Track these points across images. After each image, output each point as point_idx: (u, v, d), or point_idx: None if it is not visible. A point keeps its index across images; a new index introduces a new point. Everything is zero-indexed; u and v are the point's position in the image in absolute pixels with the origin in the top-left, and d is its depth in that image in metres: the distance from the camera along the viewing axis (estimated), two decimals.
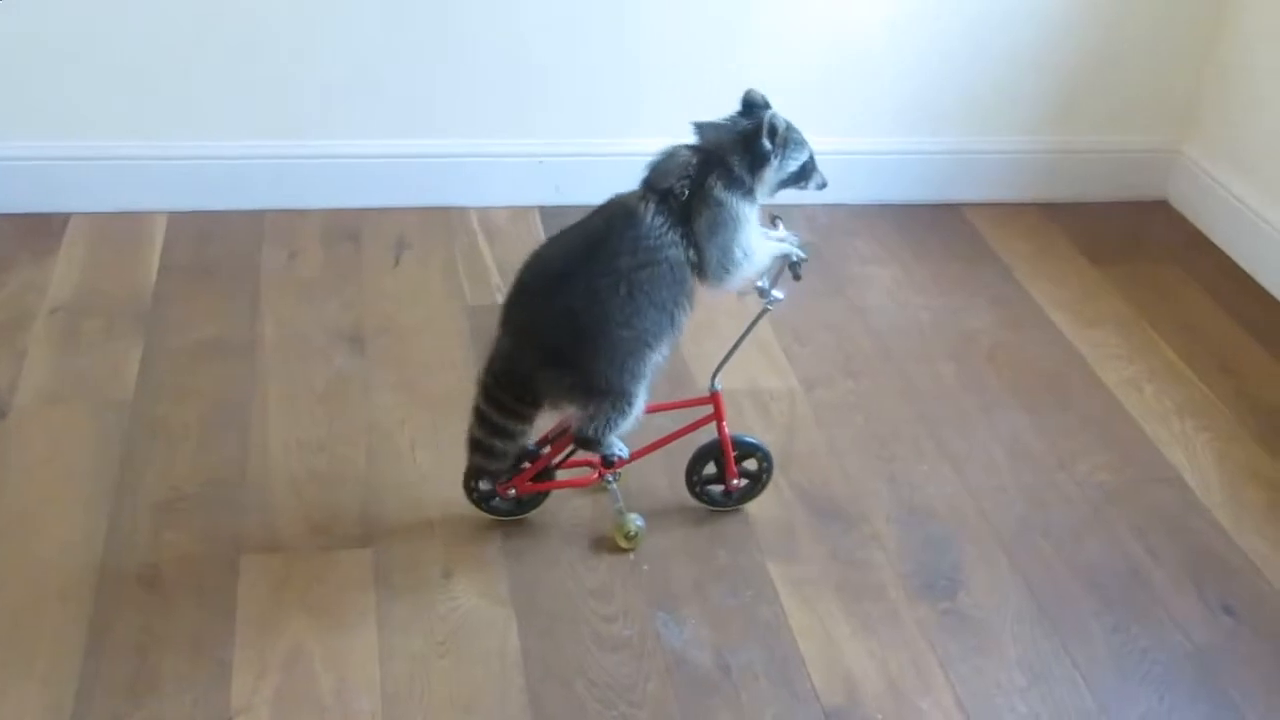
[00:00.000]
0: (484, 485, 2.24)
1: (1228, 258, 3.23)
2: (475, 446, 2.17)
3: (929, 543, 2.31)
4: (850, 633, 2.12)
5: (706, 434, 2.28)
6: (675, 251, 2.00)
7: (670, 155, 2.03)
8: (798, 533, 2.31)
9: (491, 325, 2.75)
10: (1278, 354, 2.88)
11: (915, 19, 3.19)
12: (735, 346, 2.22)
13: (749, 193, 2.04)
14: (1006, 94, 3.30)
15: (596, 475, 2.25)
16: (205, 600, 2.09)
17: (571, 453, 2.25)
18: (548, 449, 2.24)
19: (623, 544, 2.25)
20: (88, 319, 2.72)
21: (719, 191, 2.00)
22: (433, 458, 2.41)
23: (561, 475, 2.27)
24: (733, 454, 2.27)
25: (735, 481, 2.30)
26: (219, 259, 2.95)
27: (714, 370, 2.23)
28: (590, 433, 2.12)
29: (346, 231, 3.08)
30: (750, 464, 2.31)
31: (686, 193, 2.00)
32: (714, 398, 2.24)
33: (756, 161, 2.03)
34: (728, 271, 2.03)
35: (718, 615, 2.13)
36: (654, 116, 3.20)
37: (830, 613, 2.15)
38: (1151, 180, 3.46)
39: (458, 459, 2.40)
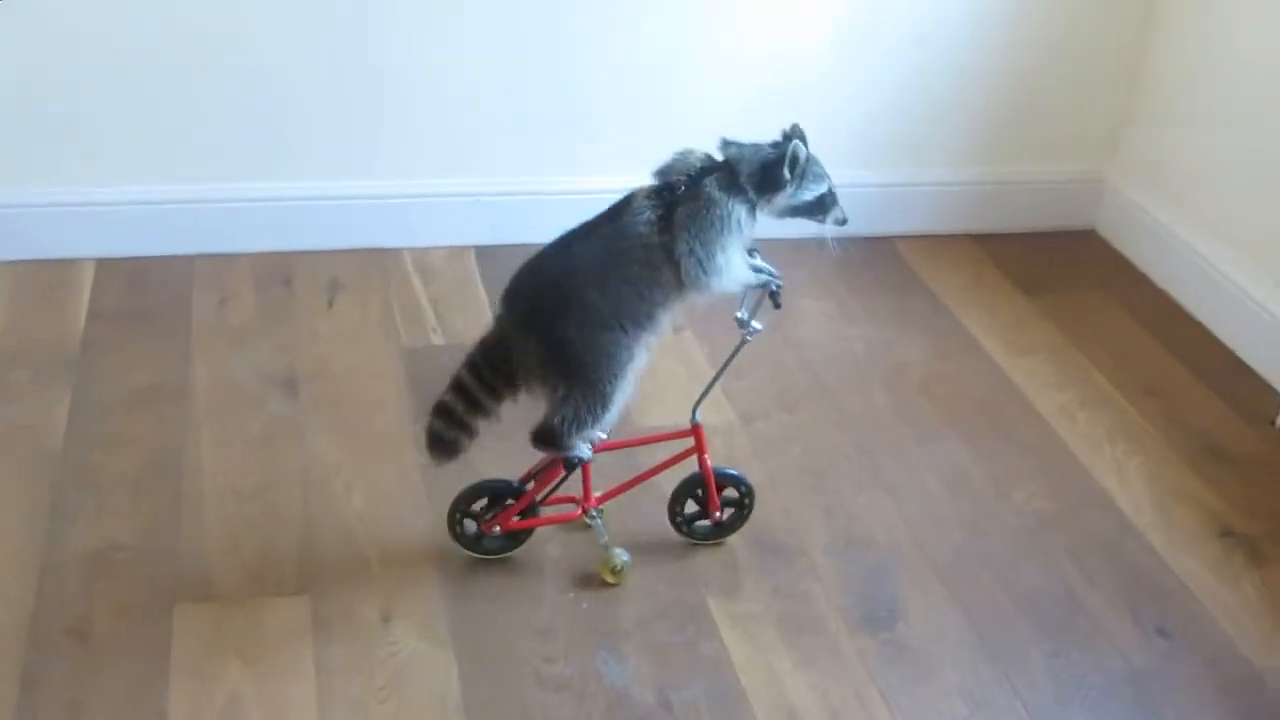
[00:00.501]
0: (468, 525, 2.25)
1: (1154, 284, 3.28)
2: (438, 409, 2.14)
3: (868, 574, 2.32)
4: (792, 666, 2.12)
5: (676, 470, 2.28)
6: (648, 230, 2.00)
7: (682, 156, 2.08)
8: (738, 567, 2.31)
9: (428, 367, 2.75)
10: (1205, 378, 2.93)
11: (846, 57, 3.22)
12: (715, 378, 2.24)
13: (748, 204, 2.05)
14: (936, 128, 3.34)
15: (580, 511, 2.25)
16: (139, 651, 2.05)
17: (554, 489, 2.24)
18: (531, 485, 2.23)
19: (609, 579, 2.25)
20: (15, 369, 2.68)
21: (712, 190, 2.02)
22: (369, 501, 2.39)
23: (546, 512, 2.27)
24: (714, 486, 2.28)
25: (718, 514, 2.31)
26: (149, 305, 2.92)
27: (695, 403, 2.24)
28: (556, 423, 2.08)
29: (279, 275, 3.06)
30: (731, 494, 2.32)
31: (683, 188, 2.02)
32: (695, 430, 2.24)
33: (769, 184, 2.05)
34: (705, 272, 2.01)
35: (660, 652, 2.13)
36: (590, 154, 3.24)
37: (772, 647, 2.15)
38: (1079, 210, 3.51)
39: (395, 502, 2.39)
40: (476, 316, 2.95)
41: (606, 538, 2.26)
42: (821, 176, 2.11)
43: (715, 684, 2.08)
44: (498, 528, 2.24)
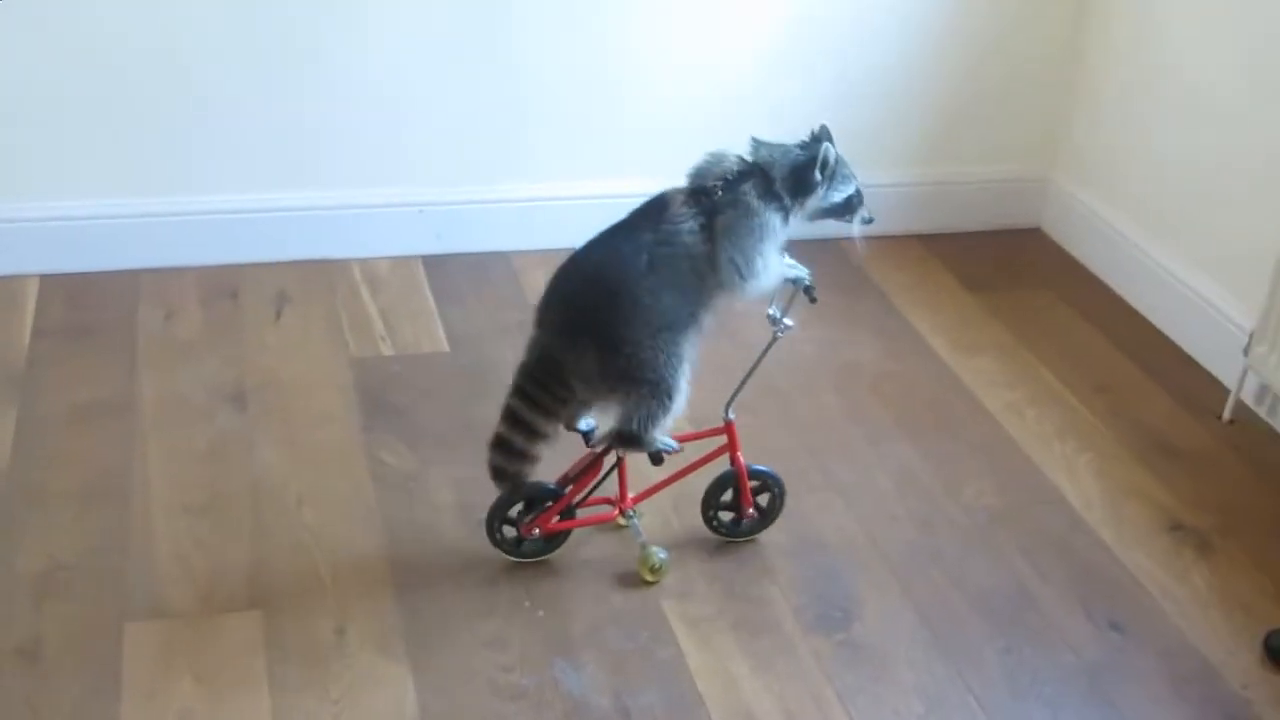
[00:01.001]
0: (508, 529, 2.25)
1: (1099, 281, 3.31)
2: (497, 444, 2.16)
3: (821, 574, 2.33)
4: (748, 670, 2.12)
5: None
6: (692, 239, 2.04)
7: (716, 158, 2.10)
8: (692, 571, 2.31)
9: (377, 377, 2.74)
10: (1151, 373, 2.95)
11: (790, 60, 3.24)
12: (747, 376, 2.28)
13: (783, 210, 2.09)
14: (882, 130, 3.36)
15: (616, 512, 2.28)
16: (90, 671, 2.03)
17: (592, 490, 2.26)
18: (569, 488, 2.24)
19: (648, 577, 2.27)
20: None
21: (751, 198, 2.06)
22: (321, 514, 2.37)
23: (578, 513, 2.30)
24: (749, 484, 2.31)
25: (750, 510, 2.33)
26: (94, 321, 2.89)
27: (727, 401, 2.26)
28: (633, 427, 2.11)
29: (225, 288, 3.03)
30: (761, 489, 2.35)
31: (720, 193, 2.05)
32: (728, 427, 2.27)
33: (801, 188, 2.09)
34: (742, 278, 2.07)
35: (616, 659, 2.12)
36: (533, 162, 3.24)
37: (728, 650, 2.15)
38: (1024, 209, 3.54)
39: (347, 514, 2.38)
40: (425, 326, 2.95)
41: (644, 536, 2.28)
42: (849, 177, 2.15)
43: (672, 689, 2.07)
44: (537, 530, 2.25)
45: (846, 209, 2.16)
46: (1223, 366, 2.91)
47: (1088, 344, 3.06)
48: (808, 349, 2.96)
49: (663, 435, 2.16)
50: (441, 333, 2.93)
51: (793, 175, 2.09)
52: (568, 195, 3.26)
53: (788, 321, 2.19)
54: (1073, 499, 2.54)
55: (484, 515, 2.25)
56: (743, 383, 2.27)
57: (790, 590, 2.28)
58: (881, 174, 3.41)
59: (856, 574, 2.33)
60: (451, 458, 2.53)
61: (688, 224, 2.04)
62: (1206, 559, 2.42)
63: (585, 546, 2.33)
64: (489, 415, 2.64)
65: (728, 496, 2.34)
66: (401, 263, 3.18)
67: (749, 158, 2.10)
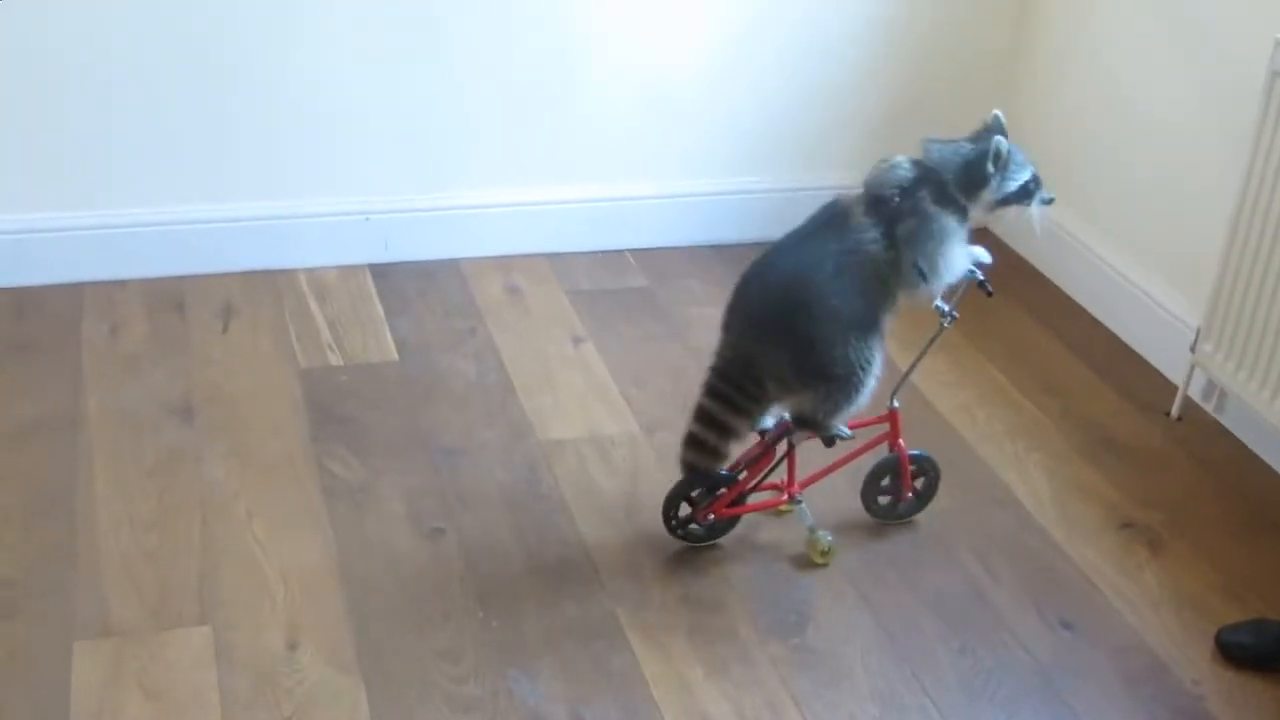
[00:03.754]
0: (683, 514, 2.33)
1: (1048, 281, 3.33)
2: (690, 442, 2.25)
3: (777, 580, 2.32)
4: (704, 676, 2.12)
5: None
6: (875, 248, 2.13)
7: (890, 166, 2.18)
8: (645, 579, 2.30)
9: (326, 388, 2.72)
10: (1100, 372, 2.97)
11: (733, 67, 3.24)
12: (913, 366, 2.36)
13: (960, 211, 2.16)
14: (824, 135, 3.36)
15: (785, 498, 2.35)
16: (37, 691, 2.00)
17: (765, 476, 2.32)
18: (744, 474, 2.30)
19: (818, 560, 2.35)
20: None
21: (928, 205, 2.14)
22: (270, 527, 2.35)
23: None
24: (910, 469, 2.40)
25: (909, 494, 2.43)
26: (37, 335, 2.85)
27: (894, 388, 2.34)
28: (817, 416, 2.21)
29: (170, 300, 3.00)
30: (919, 474, 2.45)
31: (897, 200, 2.13)
32: (891, 415, 2.36)
33: (975, 184, 2.15)
34: (927, 281, 2.16)
35: (571, 668, 2.11)
36: (479, 169, 3.22)
37: (683, 657, 2.15)
38: None
39: (297, 527, 2.35)
40: (375, 334, 2.92)
41: (812, 520, 2.35)
42: (1023, 164, 2.18)
43: (628, 698, 2.07)
44: (711, 515, 2.32)
45: (1024, 195, 2.19)
46: (1170, 364, 2.93)
47: (1038, 344, 3.08)
48: None
49: (840, 423, 2.27)
50: (390, 341, 2.91)
51: (965, 173, 2.15)
52: (516, 202, 3.25)
53: (954, 313, 2.28)
54: (1024, 498, 2.55)
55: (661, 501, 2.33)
56: (907, 373, 2.37)
57: (746, 596, 2.28)
58: (826, 176, 3.42)
59: (811, 579, 2.33)
60: (401, 467, 2.51)
61: (869, 233, 2.14)
62: (1157, 556, 2.43)
63: (528, 554, 2.32)
64: (439, 423, 2.64)
65: (886, 481, 2.43)
66: (349, 272, 3.16)
67: (922, 159, 2.17)
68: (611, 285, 3.19)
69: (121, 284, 3.04)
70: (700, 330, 3.04)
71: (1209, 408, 2.84)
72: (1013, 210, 2.21)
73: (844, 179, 3.40)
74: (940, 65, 3.37)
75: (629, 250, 3.33)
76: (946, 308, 2.27)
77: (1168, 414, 2.84)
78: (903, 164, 2.17)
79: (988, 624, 2.26)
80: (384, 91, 3.07)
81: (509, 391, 2.76)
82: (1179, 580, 2.38)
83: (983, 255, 2.24)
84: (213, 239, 3.09)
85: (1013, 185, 2.18)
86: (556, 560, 2.32)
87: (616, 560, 2.33)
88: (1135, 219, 3.09)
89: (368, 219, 3.17)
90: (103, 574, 2.22)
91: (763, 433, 2.30)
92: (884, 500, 2.44)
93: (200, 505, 2.39)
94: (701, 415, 2.24)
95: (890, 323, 2.22)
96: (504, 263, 3.24)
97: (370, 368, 2.82)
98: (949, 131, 3.52)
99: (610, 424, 2.69)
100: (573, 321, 3.03)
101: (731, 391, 2.21)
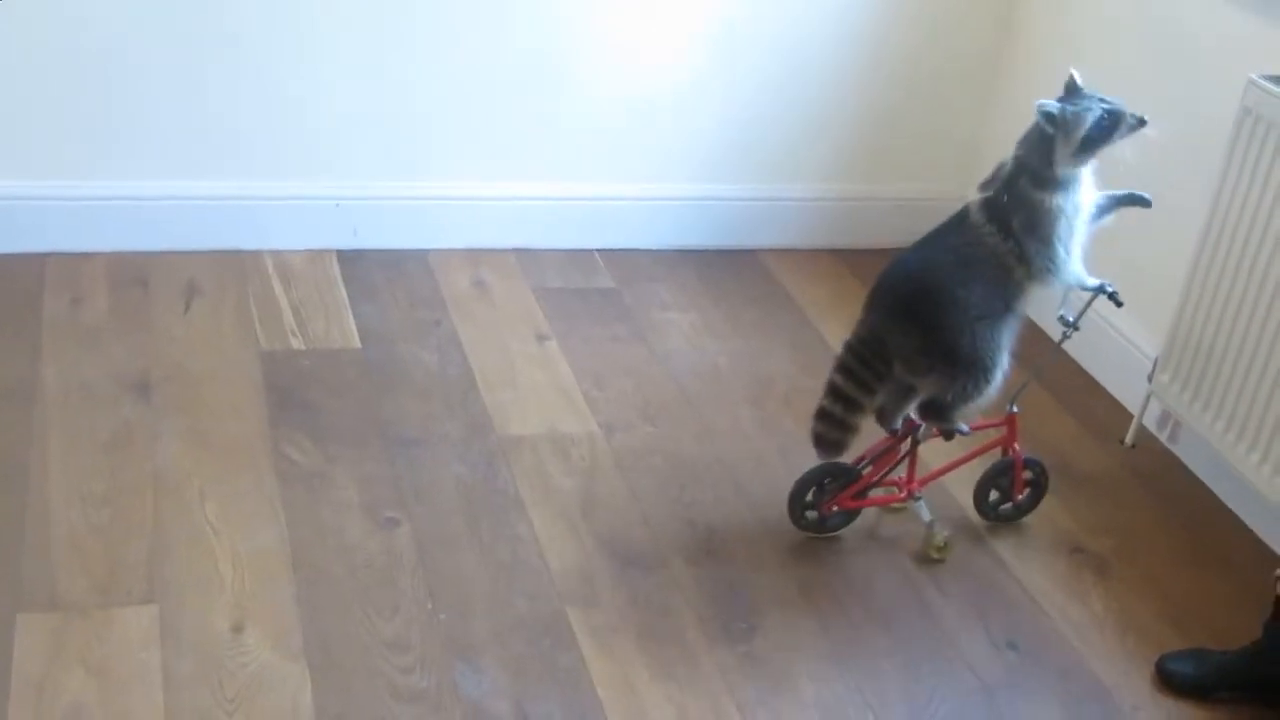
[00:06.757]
0: (810, 499, 2.43)
1: None
2: (820, 415, 2.35)
3: (727, 586, 2.33)
4: (650, 678, 2.12)
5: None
6: (994, 241, 2.23)
7: (998, 167, 2.28)
8: (597, 579, 2.31)
9: (286, 371, 2.71)
10: (1057, 394, 2.99)
11: (714, 73, 3.25)
12: (1037, 373, 2.47)
13: (1058, 185, 2.22)
14: (801, 145, 3.38)
15: (905, 494, 2.44)
16: None
17: (888, 473, 2.42)
18: (869, 468, 2.41)
19: (935, 555, 2.45)
20: None
21: (1028, 192, 2.22)
22: (223, 509, 2.34)
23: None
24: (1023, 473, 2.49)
25: (1019, 497, 2.52)
26: None
27: (1014, 394, 2.40)
28: (947, 399, 2.29)
29: (134, 276, 2.98)
30: (1029, 477, 2.53)
31: (1005, 197, 2.23)
32: (1009, 419, 2.44)
33: (1048, 151, 2.20)
34: (1050, 268, 2.25)
35: (517, 664, 2.11)
36: (452, 161, 3.22)
37: (630, 659, 2.15)
38: None
39: (249, 510, 2.35)
40: (339, 320, 2.92)
41: (930, 517, 2.43)
42: (1087, 108, 2.19)
43: (573, 696, 2.07)
44: (835, 507, 2.42)
45: (1109, 130, 2.20)
46: (1127, 392, 2.96)
47: None
48: (721, 361, 2.97)
49: (963, 419, 2.36)
50: (354, 328, 2.90)
51: (1040, 150, 2.21)
52: (486, 196, 3.25)
53: (1078, 326, 2.37)
54: (974, 516, 2.57)
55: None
56: (1028, 381, 2.44)
57: (696, 600, 2.29)
58: (799, 187, 3.44)
59: (762, 587, 2.34)
60: (358, 456, 2.51)
61: (987, 228, 2.24)
62: (1104, 582, 2.46)
63: (481, 548, 2.32)
64: (398, 413, 2.63)
65: (1001, 482, 2.52)
66: (316, 256, 3.15)
67: (1017, 152, 2.25)
68: (579, 284, 3.19)
69: (86, 256, 3.02)
70: (665, 334, 3.04)
71: (1163, 437, 2.86)
72: (1118, 148, 2.21)
73: (813, 193, 3.44)
74: (916, 84, 3.39)
75: (598, 250, 3.33)
76: (1071, 318, 2.37)
77: (1122, 441, 2.86)
78: (1007, 163, 2.26)
79: (934, 641, 2.27)
80: (361, 79, 3.06)
81: (470, 385, 2.75)
82: (1125, 606, 2.40)
83: (1103, 282, 2.32)
84: (180, 216, 3.07)
85: (1083, 130, 2.19)
86: (509, 556, 2.32)
87: (569, 559, 2.33)
88: (1097, 247, 3.10)
89: (338, 205, 3.16)
90: (51, 547, 2.21)
91: (892, 432, 2.39)
92: (993, 498, 2.53)
93: (153, 483, 2.38)
94: (831, 390, 2.34)
95: (1023, 310, 2.29)
96: (473, 256, 3.24)
97: (332, 354, 2.81)
98: (924, 150, 3.55)
99: (570, 423, 2.69)
100: (538, 319, 3.03)
101: (860, 368, 2.32)
